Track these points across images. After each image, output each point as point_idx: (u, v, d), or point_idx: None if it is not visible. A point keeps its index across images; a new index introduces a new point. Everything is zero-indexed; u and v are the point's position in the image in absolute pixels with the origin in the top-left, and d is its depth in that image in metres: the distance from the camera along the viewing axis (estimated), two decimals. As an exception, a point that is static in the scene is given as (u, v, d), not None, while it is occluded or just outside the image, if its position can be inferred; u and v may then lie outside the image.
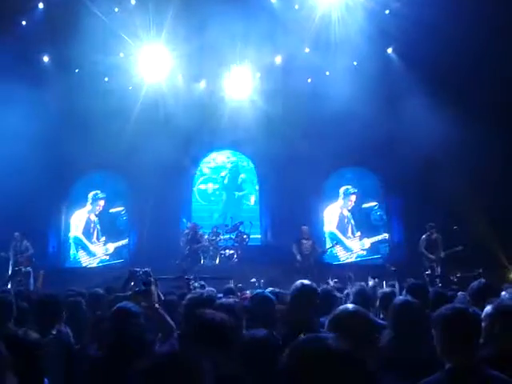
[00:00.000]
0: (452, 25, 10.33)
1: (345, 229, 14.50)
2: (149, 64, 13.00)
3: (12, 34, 11.45)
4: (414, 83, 12.11)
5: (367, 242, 14.38)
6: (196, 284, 6.58)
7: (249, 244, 13.51)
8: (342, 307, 2.36)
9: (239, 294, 5.75)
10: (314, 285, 3.48)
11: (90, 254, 14.22)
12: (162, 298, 4.26)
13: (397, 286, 5.73)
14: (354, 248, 14.39)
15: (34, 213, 12.25)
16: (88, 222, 14.35)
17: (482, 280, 4.48)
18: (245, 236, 13.44)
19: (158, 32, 11.98)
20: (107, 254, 14.17)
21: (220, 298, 4.12)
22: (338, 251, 14.17)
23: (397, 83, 12.53)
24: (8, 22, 11.43)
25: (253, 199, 14.95)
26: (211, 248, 12.87)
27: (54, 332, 3.72)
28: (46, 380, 3.38)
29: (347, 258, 14.30)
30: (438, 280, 10.04)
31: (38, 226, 12.77)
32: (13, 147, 11.46)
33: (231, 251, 12.97)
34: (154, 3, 11.67)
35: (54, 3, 11.59)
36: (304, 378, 1.29)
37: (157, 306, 3.42)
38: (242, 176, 15.13)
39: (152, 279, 3.94)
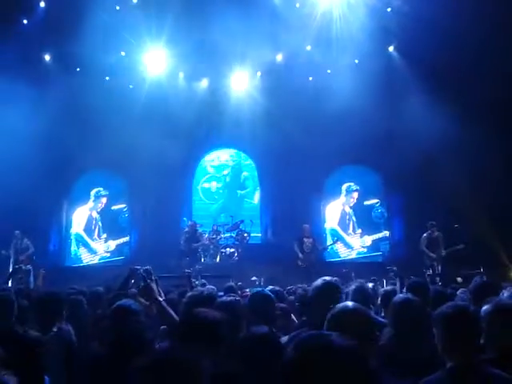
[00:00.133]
0: (453, 22, 10.31)
1: (346, 226, 14.51)
2: (150, 62, 13.00)
3: (13, 32, 11.47)
4: (416, 81, 12.10)
5: (368, 240, 14.39)
6: (197, 282, 6.59)
7: (249, 242, 13.52)
8: (341, 305, 2.35)
9: (240, 292, 5.75)
10: (336, 281, 3.36)
11: (91, 251, 14.24)
12: (163, 297, 4.26)
13: (398, 284, 5.71)
14: (354, 245, 14.41)
15: (35, 211, 12.28)
16: (90, 219, 14.38)
17: (484, 278, 4.48)
18: (245, 234, 13.45)
19: (159, 30, 11.97)
20: (108, 252, 14.20)
21: (220, 296, 4.12)
22: (339, 248, 14.20)
23: (398, 81, 12.53)
24: (9, 21, 11.44)
25: (257, 197, 14.95)
26: (212, 246, 12.89)
27: (55, 329, 3.73)
28: (46, 378, 3.39)
29: (347, 255, 14.32)
30: (438, 278, 10.02)
31: (40, 224, 12.81)
32: (15, 145, 11.48)
33: (232, 249, 12.98)
34: (155, 1, 11.66)
35: (56, 2, 11.59)
36: (307, 372, 1.30)
37: (160, 298, 3.43)
38: (245, 174, 15.13)
39: (153, 277, 3.94)
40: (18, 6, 11.58)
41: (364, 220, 14.49)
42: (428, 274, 10.23)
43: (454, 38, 10.69)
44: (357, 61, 12.80)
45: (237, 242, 13.23)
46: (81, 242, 14.28)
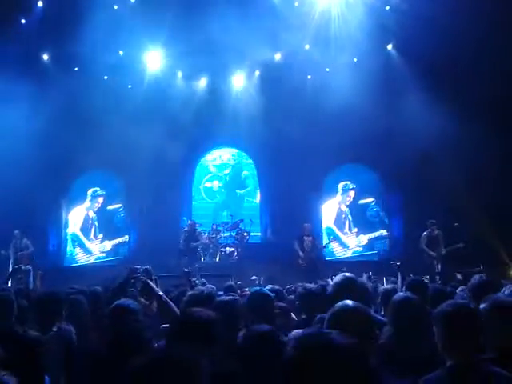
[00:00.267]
0: (451, 21, 10.32)
1: (342, 224, 14.49)
2: (148, 61, 12.98)
3: (12, 32, 11.44)
4: (414, 79, 12.10)
5: (364, 239, 14.37)
6: (197, 281, 6.58)
7: (249, 242, 13.51)
8: (341, 303, 2.34)
9: (239, 291, 5.75)
10: (354, 276, 3.33)
11: (87, 251, 14.20)
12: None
13: (399, 281, 5.70)
14: (350, 244, 14.39)
15: (33, 211, 12.26)
16: (86, 218, 14.34)
17: (483, 276, 4.48)
18: (245, 234, 13.45)
19: (158, 29, 11.94)
20: (104, 252, 14.16)
21: (220, 295, 4.12)
22: (334, 247, 14.17)
23: (397, 79, 12.52)
24: (7, 21, 11.42)
25: (258, 195, 14.93)
26: (211, 245, 12.89)
27: (55, 329, 3.72)
28: (46, 377, 3.39)
29: (343, 254, 14.30)
30: (437, 277, 10.02)
31: (38, 224, 12.78)
32: (13, 145, 11.48)
33: (231, 249, 12.98)
34: (154, 1, 11.63)
35: (53, 1, 11.58)
36: (307, 370, 1.30)
37: (160, 293, 3.43)
38: (245, 173, 15.11)
39: (152, 277, 3.94)
40: (16, 5, 11.56)
41: (360, 219, 14.47)
42: (427, 277, 10.21)
43: (453, 36, 10.69)
44: (355, 59, 12.79)
45: (236, 242, 13.23)
46: (77, 241, 14.23)
